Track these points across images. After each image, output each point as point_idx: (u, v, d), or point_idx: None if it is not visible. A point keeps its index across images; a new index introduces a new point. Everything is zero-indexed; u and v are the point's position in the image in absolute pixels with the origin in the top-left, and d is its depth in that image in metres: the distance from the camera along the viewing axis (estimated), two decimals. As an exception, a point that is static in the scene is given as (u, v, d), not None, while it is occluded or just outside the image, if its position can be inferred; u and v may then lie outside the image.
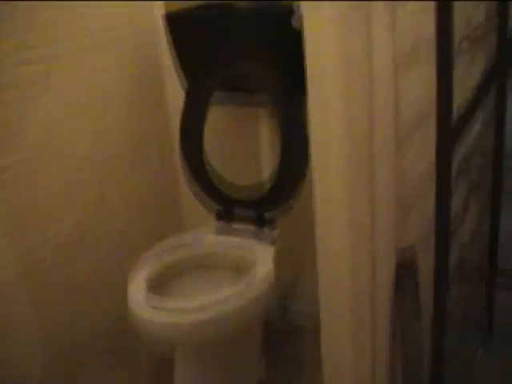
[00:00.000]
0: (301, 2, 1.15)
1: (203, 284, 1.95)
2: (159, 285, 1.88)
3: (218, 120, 2.15)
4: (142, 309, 1.72)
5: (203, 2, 2.09)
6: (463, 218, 1.61)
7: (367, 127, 1.20)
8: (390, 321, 1.40)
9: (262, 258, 1.86)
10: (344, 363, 1.22)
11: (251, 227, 2.02)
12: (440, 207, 1.25)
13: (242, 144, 2.25)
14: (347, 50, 1.15)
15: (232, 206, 2.06)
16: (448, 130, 1.21)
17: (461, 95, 1.46)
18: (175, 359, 1.95)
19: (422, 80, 1.51)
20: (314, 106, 1.16)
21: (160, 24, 2.10)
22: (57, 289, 1.89)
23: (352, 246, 1.17)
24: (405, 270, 1.42)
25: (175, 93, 2.22)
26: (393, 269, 1.39)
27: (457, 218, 1.48)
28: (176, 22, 2.03)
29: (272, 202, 1.99)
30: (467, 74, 1.91)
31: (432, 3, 1.14)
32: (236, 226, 2.05)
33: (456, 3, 1.18)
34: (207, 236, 2.04)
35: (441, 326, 1.35)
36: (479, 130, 1.83)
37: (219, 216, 2.07)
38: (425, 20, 1.41)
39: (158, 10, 2.18)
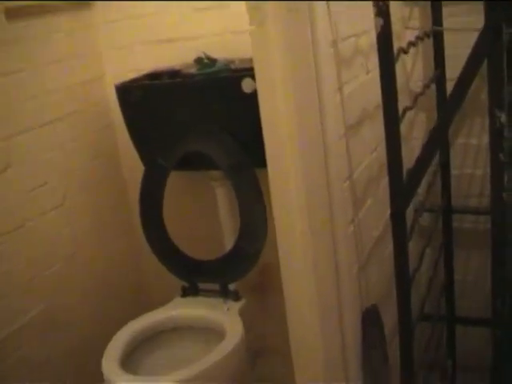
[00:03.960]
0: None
1: (175, 359, 1.95)
2: (132, 362, 1.89)
3: (176, 190, 2.20)
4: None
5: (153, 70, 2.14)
6: (419, 267, 1.66)
7: (326, 195, 1.25)
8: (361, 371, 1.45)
9: (230, 329, 1.88)
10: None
11: (217, 299, 2.05)
12: (399, 264, 1.30)
13: (202, 217, 2.30)
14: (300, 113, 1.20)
15: (196, 281, 2.11)
16: (401, 190, 1.26)
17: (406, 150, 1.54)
18: None
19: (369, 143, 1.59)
20: (274, 178, 1.21)
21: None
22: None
23: (321, 319, 1.21)
24: (370, 323, 1.47)
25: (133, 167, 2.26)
26: (359, 326, 1.44)
27: (414, 271, 1.53)
28: (127, 93, 2.06)
29: (234, 273, 2.04)
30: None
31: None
32: (202, 299, 2.09)
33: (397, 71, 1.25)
34: (174, 312, 2.06)
35: (408, 369, 1.39)
36: (428, 181, 1.91)
37: (184, 291, 2.12)
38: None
39: (111, 81, 2.21)
